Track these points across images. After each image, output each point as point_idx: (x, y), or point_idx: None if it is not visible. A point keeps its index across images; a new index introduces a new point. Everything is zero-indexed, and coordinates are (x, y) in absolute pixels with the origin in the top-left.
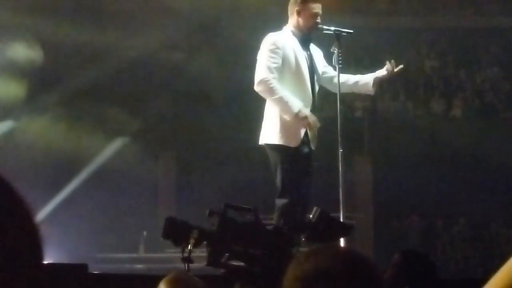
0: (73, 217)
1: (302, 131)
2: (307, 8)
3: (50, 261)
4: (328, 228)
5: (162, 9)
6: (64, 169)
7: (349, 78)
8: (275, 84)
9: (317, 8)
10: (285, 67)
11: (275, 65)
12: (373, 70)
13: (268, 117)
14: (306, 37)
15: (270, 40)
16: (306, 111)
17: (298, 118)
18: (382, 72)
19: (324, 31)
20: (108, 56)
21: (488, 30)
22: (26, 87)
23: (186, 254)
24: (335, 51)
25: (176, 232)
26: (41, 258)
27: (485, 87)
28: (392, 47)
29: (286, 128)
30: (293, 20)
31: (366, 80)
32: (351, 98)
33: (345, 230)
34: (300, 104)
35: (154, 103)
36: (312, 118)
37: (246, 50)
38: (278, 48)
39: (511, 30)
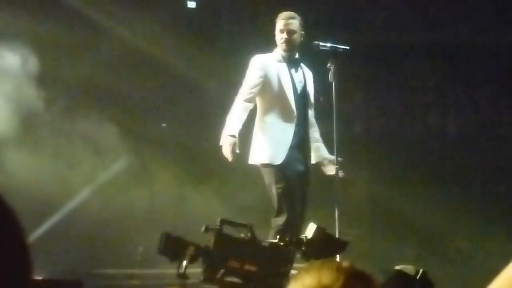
0: (68, 233)
1: (286, 148)
2: (276, 26)
3: (45, 277)
4: (324, 245)
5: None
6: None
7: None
8: (235, 105)
9: (282, 24)
10: (266, 86)
11: (250, 86)
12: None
13: (254, 136)
14: (290, 56)
15: (252, 61)
16: (229, 141)
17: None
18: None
19: (321, 48)
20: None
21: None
22: None
23: (181, 270)
24: (331, 68)
25: (172, 248)
26: (30, 273)
27: (483, 103)
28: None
29: (269, 145)
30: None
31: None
32: (346, 114)
33: (341, 246)
34: (232, 130)
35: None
36: (224, 149)
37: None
38: (258, 68)
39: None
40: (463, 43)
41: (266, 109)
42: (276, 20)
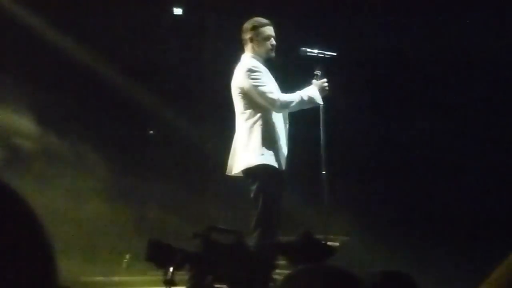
0: (56, 240)
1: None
2: (258, 33)
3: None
4: (312, 250)
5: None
6: None
7: None
8: (283, 97)
9: (268, 30)
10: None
11: (268, 82)
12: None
13: (255, 138)
14: (267, 61)
15: (250, 67)
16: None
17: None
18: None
19: (308, 54)
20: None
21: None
22: None
23: (169, 277)
24: (318, 74)
25: (159, 254)
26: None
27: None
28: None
29: (278, 149)
30: (249, 47)
31: None
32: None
33: (328, 252)
34: (309, 92)
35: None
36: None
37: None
38: (260, 71)
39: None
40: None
41: (269, 112)
42: (258, 26)
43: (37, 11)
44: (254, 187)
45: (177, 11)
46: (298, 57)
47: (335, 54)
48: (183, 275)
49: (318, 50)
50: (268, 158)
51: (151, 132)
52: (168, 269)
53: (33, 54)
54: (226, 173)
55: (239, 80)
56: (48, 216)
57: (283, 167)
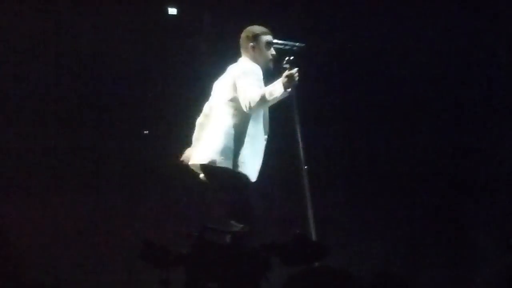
0: (56, 240)
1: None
2: (260, 40)
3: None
4: (305, 251)
5: None
6: None
7: None
8: (259, 90)
9: (269, 38)
10: None
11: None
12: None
13: (224, 138)
14: (265, 69)
15: (250, 68)
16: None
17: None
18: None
19: (274, 46)
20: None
21: None
22: None
23: (163, 277)
24: (287, 67)
25: (154, 255)
26: None
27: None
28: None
29: (253, 158)
30: (248, 55)
31: None
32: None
33: (322, 252)
34: (275, 85)
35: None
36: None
37: None
38: (260, 75)
39: None
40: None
41: (250, 119)
42: (261, 34)
43: (29, 12)
44: (218, 189)
45: (172, 11)
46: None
47: (303, 45)
48: (177, 275)
49: (285, 41)
50: (239, 165)
51: (146, 132)
52: (163, 270)
53: (26, 54)
54: (180, 159)
55: (233, 75)
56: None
57: (254, 179)
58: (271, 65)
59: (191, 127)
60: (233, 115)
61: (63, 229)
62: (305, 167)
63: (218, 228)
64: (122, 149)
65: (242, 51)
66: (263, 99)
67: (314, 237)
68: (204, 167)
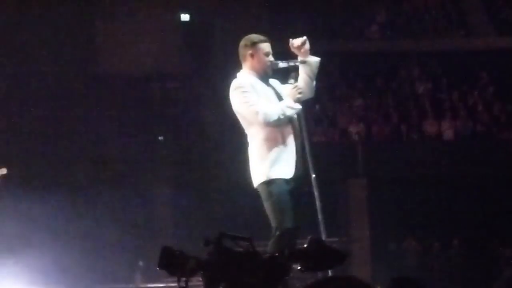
0: (70, 248)
1: (293, 162)
2: (259, 48)
3: None
4: (323, 256)
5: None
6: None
7: None
8: (267, 110)
9: (268, 47)
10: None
11: (252, 97)
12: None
13: (253, 159)
14: (264, 76)
15: (236, 84)
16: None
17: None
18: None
19: (280, 67)
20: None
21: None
22: None
23: (182, 284)
24: (292, 83)
25: (172, 261)
26: None
27: (478, 108)
28: (384, 71)
29: (282, 159)
30: (247, 63)
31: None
32: (345, 123)
33: (340, 258)
34: (283, 102)
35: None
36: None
37: None
38: (246, 87)
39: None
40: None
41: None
42: (259, 42)
43: (36, 16)
44: (264, 202)
45: (185, 17)
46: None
47: (305, 61)
48: (195, 282)
49: (288, 60)
50: (268, 174)
51: (161, 138)
52: (181, 276)
53: (32, 56)
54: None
55: (231, 100)
56: None
57: (290, 175)
58: (269, 71)
59: (198, 131)
60: (251, 131)
61: (81, 237)
62: (313, 175)
63: (236, 235)
64: (139, 154)
65: (241, 59)
66: (272, 115)
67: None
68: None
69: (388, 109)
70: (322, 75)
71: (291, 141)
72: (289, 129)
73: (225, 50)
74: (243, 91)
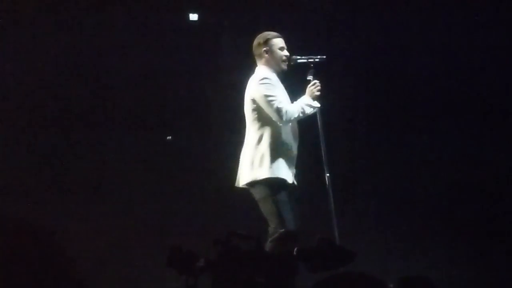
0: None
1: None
2: (272, 44)
3: None
4: (331, 256)
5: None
6: None
7: None
8: (286, 107)
9: (281, 42)
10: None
11: (279, 94)
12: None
13: (259, 153)
14: (280, 74)
15: (263, 77)
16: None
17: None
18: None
19: (298, 61)
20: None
21: None
22: None
23: (191, 283)
24: (311, 80)
25: (181, 261)
26: None
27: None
28: None
29: (286, 163)
30: (263, 60)
31: None
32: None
33: (348, 257)
34: (302, 100)
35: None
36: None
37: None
38: (273, 82)
39: None
40: None
41: (279, 125)
42: (271, 38)
43: (47, 14)
44: (262, 201)
45: (193, 16)
46: (291, 66)
47: (324, 57)
48: (204, 281)
49: (308, 56)
50: (275, 172)
51: (169, 138)
52: (191, 276)
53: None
54: (235, 185)
55: (251, 90)
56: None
57: (292, 181)
58: (284, 66)
59: (210, 131)
60: (260, 128)
61: (87, 235)
62: (327, 174)
63: (245, 234)
64: (147, 154)
65: (256, 58)
66: (293, 114)
67: (338, 242)
68: (248, 185)
69: None
70: None
71: (296, 143)
72: (296, 129)
73: (233, 50)
74: (270, 86)
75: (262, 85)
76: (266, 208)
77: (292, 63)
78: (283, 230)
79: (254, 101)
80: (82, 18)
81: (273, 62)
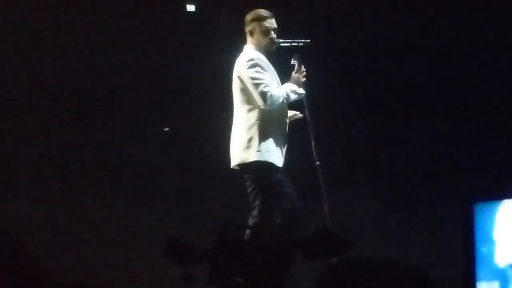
0: (74, 235)
1: (284, 150)
2: (259, 25)
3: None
4: (327, 245)
5: None
6: None
7: None
8: (271, 92)
9: (269, 23)
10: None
11: (267, 78)
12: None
13: (248, 135)
14: (268, 54)
15: (252, 58)
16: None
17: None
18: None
19: (281, 45)
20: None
21: None
22: None
23: (188, 272)
24: (296, 64)
25: (177, 251)
26: None
27: None
28: None
29: (276, 146)
30: (250, 39)
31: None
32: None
33: (345, 246)
34: (286, 86)
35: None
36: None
37: None
38: (263, 65)
39: None
40: None
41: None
42: (258, 19)
43: (43, 12)
44: (249, 183)
45: (190, 7)
46: (274, 49)
47: (308, 41)
48: (200, 271)
49: (291, 39)
50: (264, 155)
51: (167, 129)
52: (187, 265)
53: (38, 53)
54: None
55: (238, 70)
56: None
57: (280, 164)
58: (270, 47)
59: (209, 123)
60: (250, 110)
61: (84, 227)
62: (317, 162)
63: (241, 224)
64: (143, 147)
65: (246, 35)
66: (278, 99)
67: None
68: (237, 166)
69: None
70: None
71: (285, 128)
72: (286, 110)
73: (230, 41)
74: (259, 68)
75: (250, 68)
76: (252, 191)
77: (275, 46)
78: (255, 221)
79: (242, 81)
80: (78, 13)
81: (261, 41)
